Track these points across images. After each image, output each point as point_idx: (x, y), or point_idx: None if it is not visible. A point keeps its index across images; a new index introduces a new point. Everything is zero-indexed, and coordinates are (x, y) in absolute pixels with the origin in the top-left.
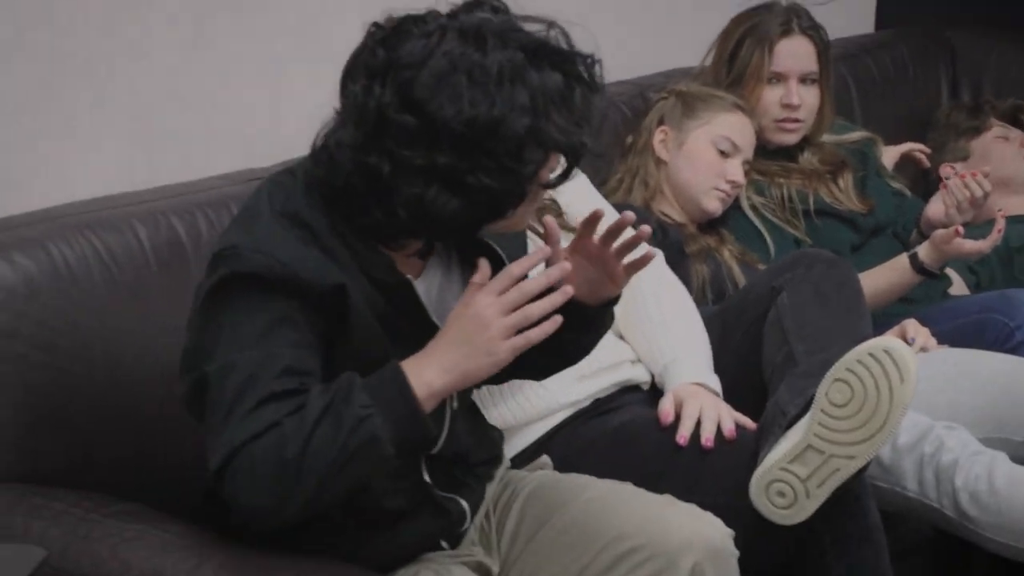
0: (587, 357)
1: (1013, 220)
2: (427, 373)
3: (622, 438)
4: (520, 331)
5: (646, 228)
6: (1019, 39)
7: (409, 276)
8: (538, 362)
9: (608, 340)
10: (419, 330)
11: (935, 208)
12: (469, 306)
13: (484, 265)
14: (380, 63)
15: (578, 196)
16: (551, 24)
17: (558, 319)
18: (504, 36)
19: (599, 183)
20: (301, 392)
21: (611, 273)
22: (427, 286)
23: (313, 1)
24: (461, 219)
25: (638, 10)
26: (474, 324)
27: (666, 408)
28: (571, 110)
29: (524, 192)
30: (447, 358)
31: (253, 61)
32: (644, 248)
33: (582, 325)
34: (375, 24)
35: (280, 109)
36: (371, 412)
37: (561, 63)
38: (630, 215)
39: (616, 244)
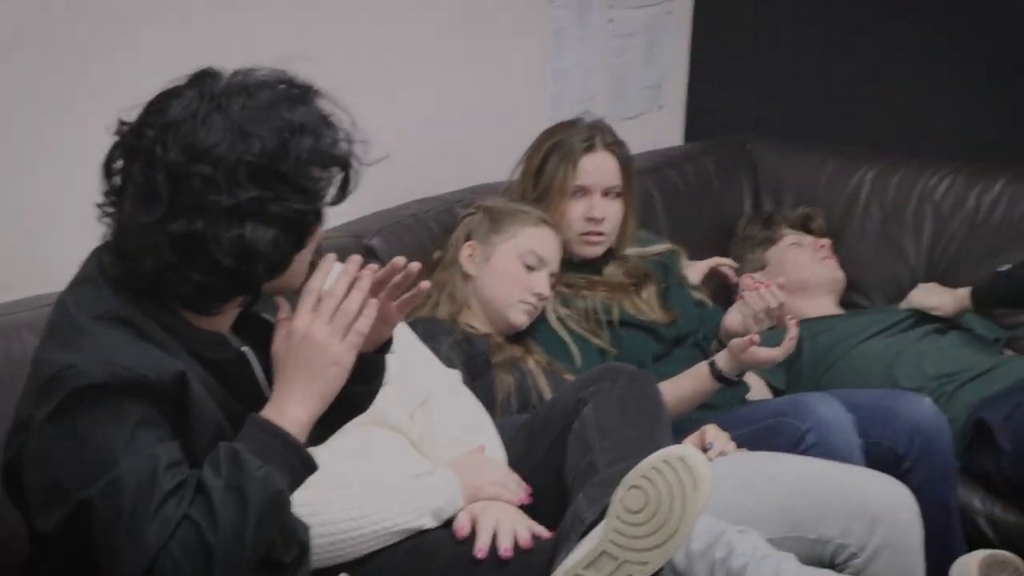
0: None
1: (813, 322)
2: (289, 411)
3: (421, 554)
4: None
5: (418, 275)
6: (813, 149)
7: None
8: (325, 418)
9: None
10: (254, 405)
11: (732, 318)
12: (292, 335)
13: (283, 301)
14: (152, 135)
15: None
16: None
17: (375, 302)
18: (259, 82)
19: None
20: (189, 480)
21: (384, 315)
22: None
23: None
24: (279, 250)
25: (446, 127)
26: (306, 346)
27: (462, 522)
28: (335, 131)
29: (320, 211)
30: (299, 389)
31: None
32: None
33: (360, 373)
34: (120, 121)
35: None
36: (267, 470)
37: (314, 97)
38: (400, 260)
39: (389, 284)
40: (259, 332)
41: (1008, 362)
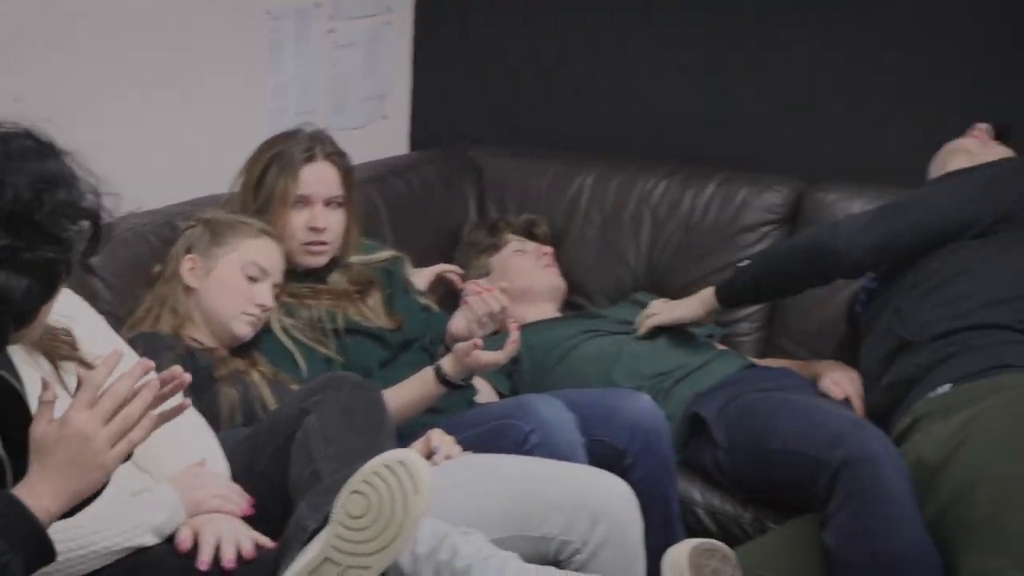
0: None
1: (534, 326)
2: (44, 500)
3: (143, 569)
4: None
5: (181, 376)
6: (535, 156)
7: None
8: None
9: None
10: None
11: (457, 323)
12: (65, 425)
13: (47, 382)
14: None
15: (93, 330)
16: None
17: (154, 415)
18: (8, 134)
19: (127, 313)
20: None
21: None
22: None
23: None
24: (30, 299)
25: (165, 140)
26: (78, 443)
27: (183, 535)
28: (85, 185)
29: (71, 262)
30: (59, 482)
31: None
32: (177, 399)
33: None
34: None
35: None
36: (9, 557)
37: (60, 152)
38: (148, 363)
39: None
40: None
41: (720, 356)
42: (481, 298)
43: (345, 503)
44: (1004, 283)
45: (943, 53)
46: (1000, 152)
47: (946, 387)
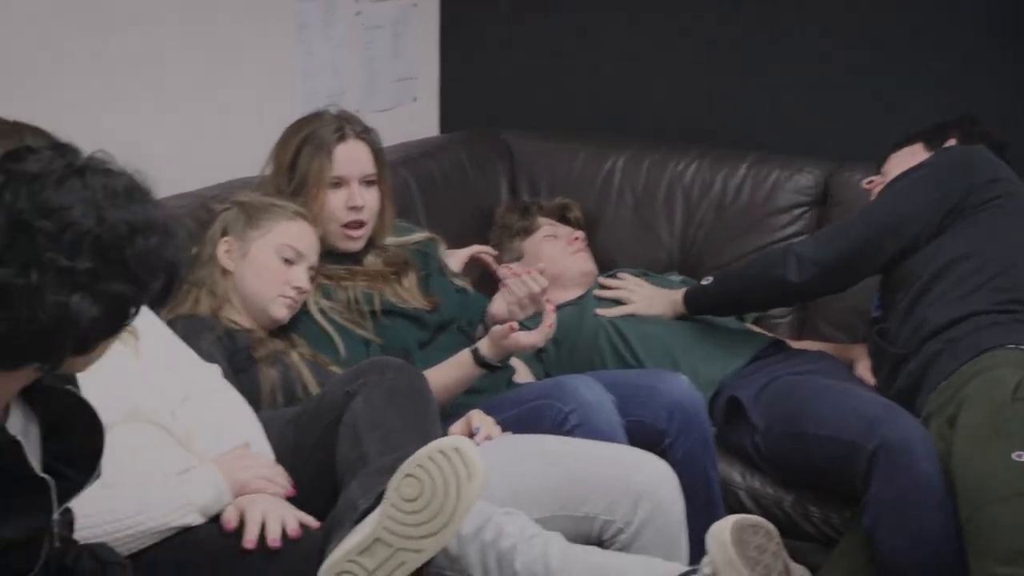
0: None
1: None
2: None
3: (189, 548)
4: None
5: None
6: (566, 138)
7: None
8: None
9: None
10: (26, 490)
11: (498, 306)
12: None
13: None
14: (1, 180)
15: (144, 321)
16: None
17: None
18: (118, 169)
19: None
20: None
21: None
22: (23, 433)
23: None
24: (95, 329)
25: (197, 122)
26: None
27: (229, 515)
28: (174, 239)
29: (140, 304)
30: None
31: None
32: None
33: None
34: None
35: None
36: None
37: (156, 201)
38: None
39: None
40: (54, 406)
41: (749, 335)
42: (521, 280)
43: (399, 486)
44: (971, 275)
45: (971, 34)
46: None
47: (941, 384)
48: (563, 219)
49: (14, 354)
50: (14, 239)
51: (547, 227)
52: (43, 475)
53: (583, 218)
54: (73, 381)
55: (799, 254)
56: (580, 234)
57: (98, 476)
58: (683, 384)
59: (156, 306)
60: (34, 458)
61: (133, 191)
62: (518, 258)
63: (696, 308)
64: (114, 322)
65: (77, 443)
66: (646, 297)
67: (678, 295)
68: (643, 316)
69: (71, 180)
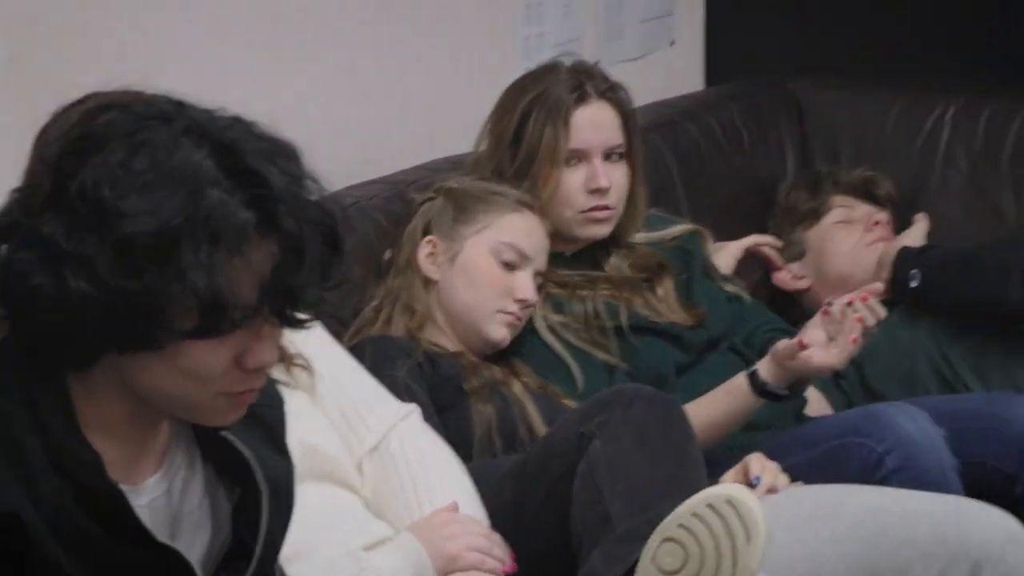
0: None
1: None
2: None
3: None
4: None
5: None
6: (875, 86)
7: (123, 486)
8: None
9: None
10: (138, 556)
11: (813, 336)
12: None
13: None
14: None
15: (320, 350)
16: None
17: None
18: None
19: (352, 314)
20: None
21: None
22: (169, 484)
23: None
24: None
25: (390, 90)
26: None
27: None
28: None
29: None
30: None
31: None
32: None
33: None
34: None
35: None
36: None
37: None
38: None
39: None
40: (220, 455)
41: None
42: (853, 307)
43: (655, 554)
44: None
45: None
46: None
47: None
48: (867, 196)
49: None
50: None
51: (840, 209)
52: (166, 542)
53: (897, 194)
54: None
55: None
56: (883, 216)
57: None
58: None
59: (203, 335)
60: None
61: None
62: (800, 255)
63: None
64: (125, 321)
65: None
66: None
67: None
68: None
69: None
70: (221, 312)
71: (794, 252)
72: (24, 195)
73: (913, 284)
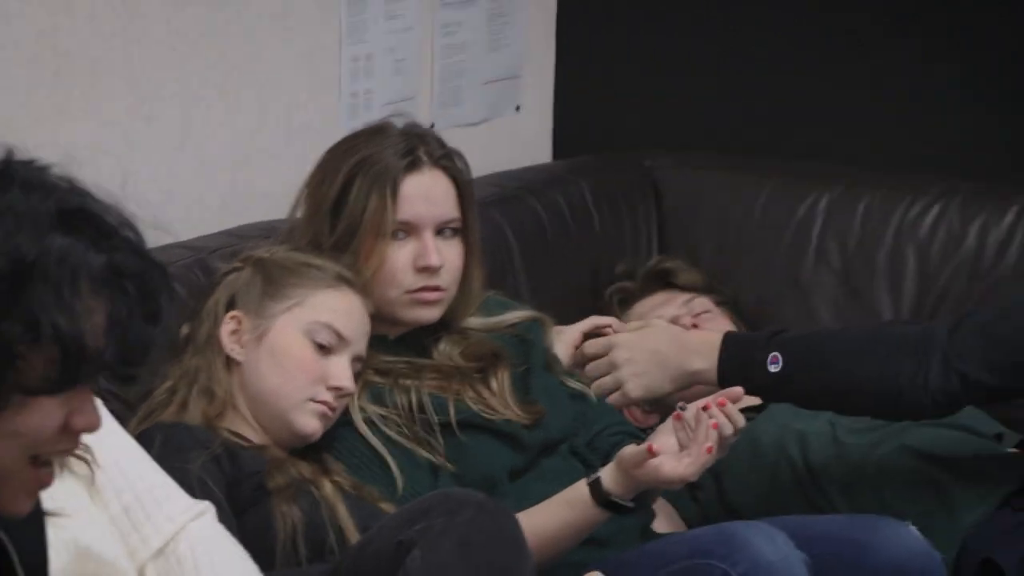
0: None
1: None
2: None
3: None
4: None
5: None
6: (745, 169)
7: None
8: None
9: None
10: None
11: (663, 443)
12: None
13: None
14: None
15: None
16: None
17: None
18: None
19: (141, 396)
20: None
21: None
22: None
23: None
24: None
25: (197, 144)
26: None
27: None
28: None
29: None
30: None
31: None
32: None
33: None
34: None
35: None
36: None
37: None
38: None
39: None
40: None
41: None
42: (709, 413)
43: None
44: None
45: None
46: None
47: None
48: (668, 286)
49: None
50: None
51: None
52: None
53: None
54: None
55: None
56: (703, 300)
57: None
58: (910, 538)
59: (54, 389)
60: None
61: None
62: None
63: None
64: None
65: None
66: (643, 362)
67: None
68: (812, 429)
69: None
70: (79, 361)
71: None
72: None
73: (773, 369)
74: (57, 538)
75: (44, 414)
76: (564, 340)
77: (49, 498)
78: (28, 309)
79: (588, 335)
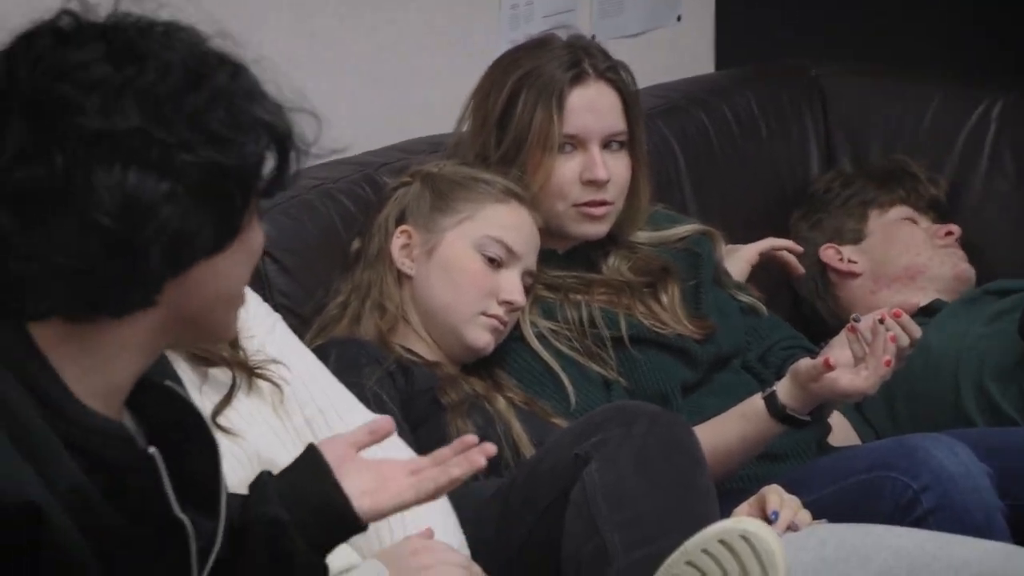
0: None
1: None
2: None
3: None
4: None
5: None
6: (907, 77)
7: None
8: None
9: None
10: (148, 535)
11: (839, 356)
12: None
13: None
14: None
15: (274, 340)
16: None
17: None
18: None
19: (314, 310)
20: None
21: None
22: None
23: None
24: (184, 222)
25: (360, 60)
26: None
27: None
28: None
29: (246, 178)
30: None
31: None
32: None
33: None
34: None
35: None
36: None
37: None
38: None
39: None
40: (160, 412)
41: None
42: (886, 324)
43: None
44: None
45: None
46: None
47: None
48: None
49: (85, 285)
50: (32, 123)
51: (905, 208)
52: (180, 516)
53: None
54: (173, 377)
55: None
56: (955, 228)
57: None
58: None
59: (275, 190)
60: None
61: (178, 32)
62: (855, 241)
63: None
64: (206, 212)
65: (191, 470)
66: None
67: None
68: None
69: (89, 41)
70: (287, 155)
71: (849, 237)
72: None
73: None
74: (241, 451)
75: (259, 231)
76: (738, 257)
77: (235, 414)
78: (259, 121)
79: (764, 255)
